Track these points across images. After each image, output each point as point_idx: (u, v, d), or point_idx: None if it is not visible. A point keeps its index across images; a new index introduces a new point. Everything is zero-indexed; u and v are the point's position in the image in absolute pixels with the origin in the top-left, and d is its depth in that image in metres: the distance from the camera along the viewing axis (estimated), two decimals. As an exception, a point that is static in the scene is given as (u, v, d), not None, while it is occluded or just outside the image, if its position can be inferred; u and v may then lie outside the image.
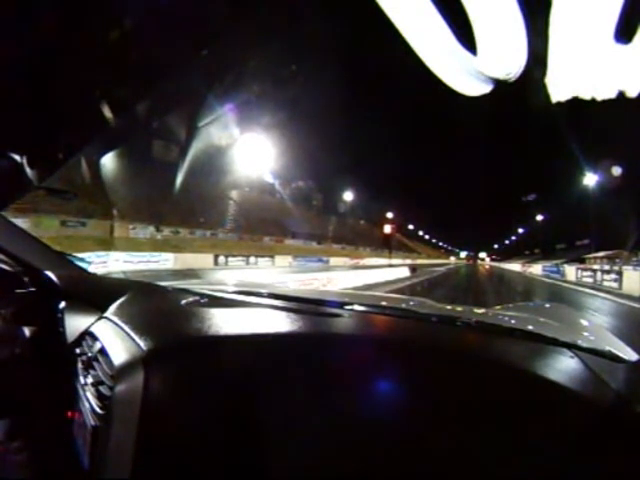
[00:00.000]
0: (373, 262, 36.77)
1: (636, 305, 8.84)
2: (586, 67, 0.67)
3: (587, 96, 0.69)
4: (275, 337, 0.70)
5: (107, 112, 0.81)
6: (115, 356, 0.68)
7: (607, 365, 0.59)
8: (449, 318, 0.87)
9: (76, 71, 0.73)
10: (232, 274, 16.08)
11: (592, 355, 0.62)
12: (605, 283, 13.87)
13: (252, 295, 1.13)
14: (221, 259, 21.31)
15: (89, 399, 0.70)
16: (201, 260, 19.67)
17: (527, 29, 0.62)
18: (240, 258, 23.09)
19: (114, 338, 0.75)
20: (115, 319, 0.84)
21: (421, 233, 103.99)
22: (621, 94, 0.66)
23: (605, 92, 0.68)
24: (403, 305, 1.06)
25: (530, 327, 0.75)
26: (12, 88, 0.74)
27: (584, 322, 0.88)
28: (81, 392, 0.77)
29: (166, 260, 17.74)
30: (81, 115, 0.87)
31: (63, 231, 16.60)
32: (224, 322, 0.77)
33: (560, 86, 0.70)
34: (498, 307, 1.14)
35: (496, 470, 0.45)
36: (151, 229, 22.49)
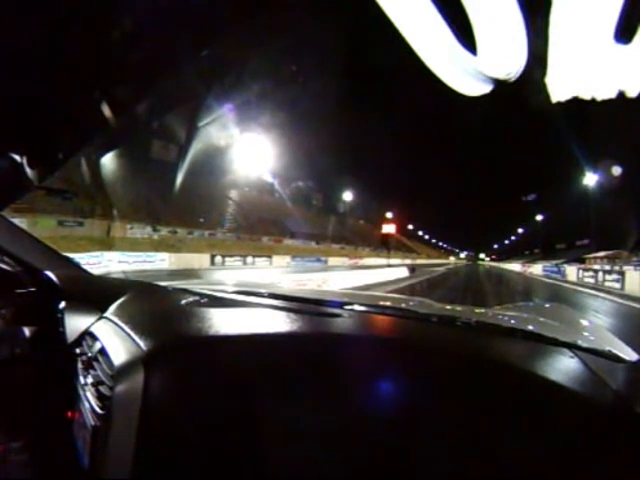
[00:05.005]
0: (372, 262, 36.76)
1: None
2: (586, 67, 0.67)
3: (587, 96, 0.69)
4: (275, 337, 0.70)
5: (107, 112, 0.81)
6: (115, 356, 0.68)
7: (607, 365, 0.59)
8: (449, 318, 0.87)
9: (76, 71, 0.73)
10: (228, 274, 16.07)
11: (592, 355, 0.62)
12: (607, 283, 13.86)
13: (252, 295, 1.13)
14: (218, 259, 21.33)
15: (89, 399, 0.70)
16: (197, 260, 19.66)
17: (527, 29, 0.62)
18: (237, 258, 23.10)
19: (114, 338, 0.75)
20: (115, 319, 0.84)
21: (421, 233, 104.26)
22: (621, 94, 0.66)
23: (605, 92, 0.68)
24: (403, 305, 1.06)
25: (530, 327, 0.75)
26: (12, 88, 0.74)
27: (584, 322, 0.88)
28: (81, 392, 0.77)
29: (162, 260, 17.69)
30: (81, 115, 0.87)
31: (60, 231, 16.55)
32: (224, 322, 0.77)
33: (560, 86, 0.70)
34: (498, 307, 1.14)
35: (496, 469, 0.45)
36: (149, 229, 22.46)
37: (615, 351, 0.62)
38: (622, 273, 13.63)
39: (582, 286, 14.94)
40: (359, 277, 12.75)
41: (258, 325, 0.78)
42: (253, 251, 25.72)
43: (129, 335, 0.72)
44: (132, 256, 16.16)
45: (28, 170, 0.93)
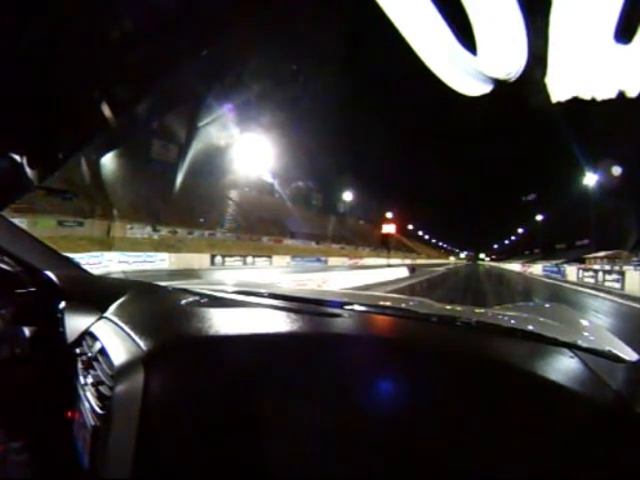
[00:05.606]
0: (372, 262, 36.77)
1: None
2: (586, 67, 0.67)
3: (587, 96, 0.69)
4: (275, 337, 0.70)
5: (107, 112, 0.81)
6: (115, 356, 0.68)
7: (607, 365, 0.59)
8: (449, 318, 0.87)
9: (76, 71, 0.73)
10: (228, 274, 16.06)
11: (592, 355, 0.62)
12: (607, 283, 13.87)
13: (252, 295, 1.13)
14: (218, 259, 21.33)
15: (89, 399, 0.70)
16: (197, 260, 19.64)
17: (527, 29, 0.62)
18: (237, 258, 23.10)
19: (114, 338, 0.75)
20: (115, 319, 0.84)
21: (421, 233, 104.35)
22: (621, 94, 0.66)
23: (605, 92, 0.68)
24: (403, 305, 1.06)
25: (530, 327, 0.75)
26: (12, 88, 0.74)
27: (584, 322, 0.88)
28: (81, 392, 0.77)
29: (162, 260, 17.67)
30: (81, 115, 0.87)
31: (60, 231, 16.54)
32: (224, 322, 0.77)
33: (560, 86, 0.71)
34: (498, 307, 1.14)
35: (496, 470, 0.45)
36: (149, 229, 22.46)
37: (615, 351, 0.62)
38: (622, 273, 13.63)
39: (582, 286, 14.93)
40: (359, 277, 12.74)
41: (258, 325, 0.78)
42: (253, 251, 25.72)
43: (129, 335, 0.72)
44: (132, 256, 16.14)
45: (28, 170, 0.93)
